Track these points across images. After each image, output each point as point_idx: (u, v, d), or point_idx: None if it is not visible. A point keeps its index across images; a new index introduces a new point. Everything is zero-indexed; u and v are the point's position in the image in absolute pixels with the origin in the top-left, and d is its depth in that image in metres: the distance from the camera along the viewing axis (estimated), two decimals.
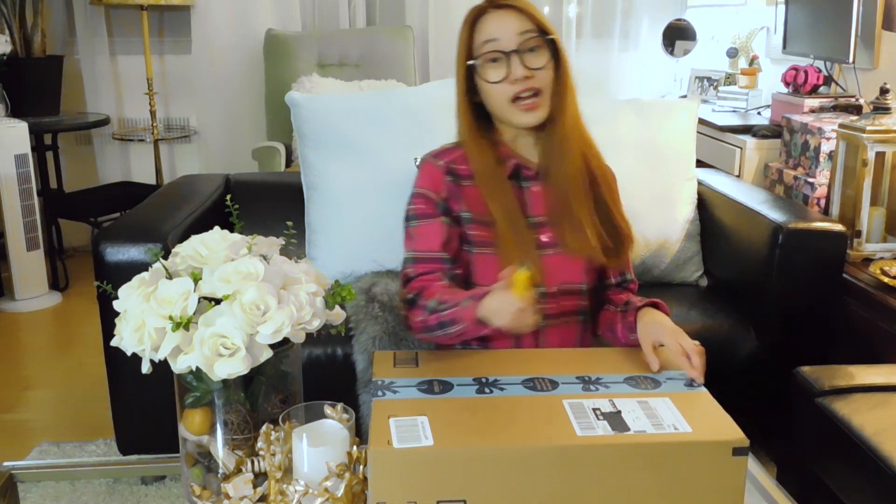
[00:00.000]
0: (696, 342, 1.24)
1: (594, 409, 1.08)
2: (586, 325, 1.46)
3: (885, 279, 1.96)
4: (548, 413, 1.08)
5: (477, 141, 1.40)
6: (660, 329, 1.27)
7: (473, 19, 1.37)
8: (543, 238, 1.41)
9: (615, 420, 1.06)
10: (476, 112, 1.41)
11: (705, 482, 1.02)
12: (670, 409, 1.09)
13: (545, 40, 1.34)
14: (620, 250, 1.44)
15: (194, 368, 1.02)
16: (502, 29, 1.33)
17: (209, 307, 1.04)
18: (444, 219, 1.39)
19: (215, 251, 1.10)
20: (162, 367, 1.05)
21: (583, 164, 1.42)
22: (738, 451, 1.01)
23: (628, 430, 1.03)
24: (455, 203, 1.40)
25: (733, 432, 1.03)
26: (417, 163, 1.47)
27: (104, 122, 3.73)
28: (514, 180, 1.42)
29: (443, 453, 1.00)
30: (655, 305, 1.38)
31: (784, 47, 3.09)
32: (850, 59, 2.62)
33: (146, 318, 1.03)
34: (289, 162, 3.38)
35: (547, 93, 1.36)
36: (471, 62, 1.36)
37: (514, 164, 1.41)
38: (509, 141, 1.43)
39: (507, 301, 1.15)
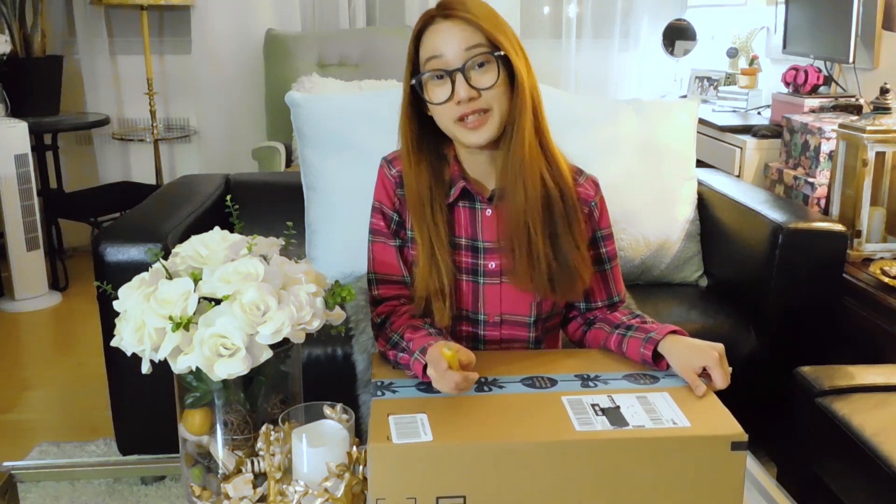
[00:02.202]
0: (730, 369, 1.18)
1: (593, 405, 1.09)
2: None
3: (885, 279, 1.96)
4: (547, 409, 1.08)
5: (415, 161, 1.29)
6: (701, 356, 1.18)
7: (420, 30, 1.24)
8: (491, 265, 1.33)
9: (614, 415, 1.06)
10: (422, 128, 1.29)
11: (704, 477, 1.02)
12: (669, 403, 1.09)
13: (496, 56, 1.21)
14: (570, 288, 1.31)
15: (194, 368, 1.02)
16: (448, 43, 1.20)
17: (209, 307, 1.04)
18: (398, 241, 1.36)
19: (215, 251, 1.10)
20: (162, 367, 1.05)
21: (541, 188, 1.27)
22: (736, 446, 1.01)
23: (627, 425, 1.03)
24: (406, 217, 1.35)
25: (732, 427, 1.04)
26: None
27: (104, 122, 3.73)
28: (466, 202, 1.33)
29: (442, 449, 1.00)
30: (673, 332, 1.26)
31: (784, 47, 3.09)
32: (850, 59, 2.62)
33: (146, 318, 1.03)
34: (289, 162, 3.38)
35: (497, 111, 1.23)
36: (414, 80, 1.24)
37: (463, 187, 1.31)
38: (463, 159, 1.32)
39: (444, 377, 1.10)
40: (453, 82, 1.21)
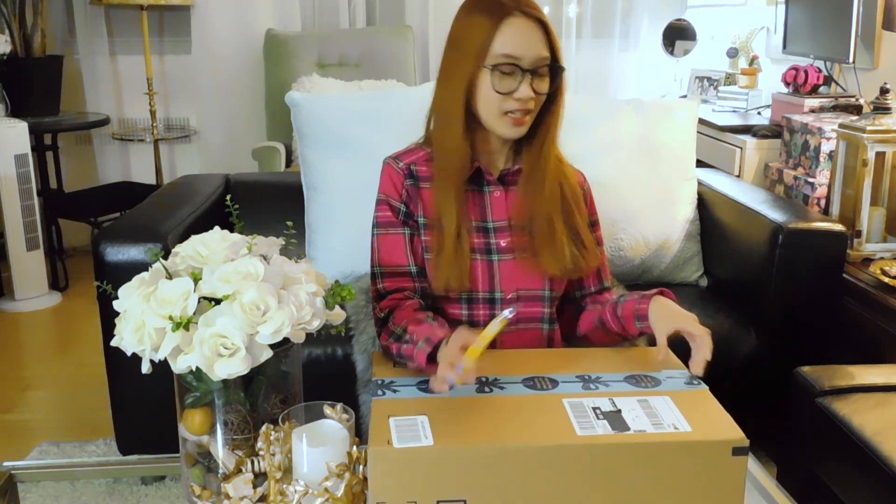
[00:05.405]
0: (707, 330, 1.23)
1: (594, 409, 1.08)
2: (552, 334, 1.42)
3: (885, 279, 1.96)
4: (548, 412, 1.08)
5: (464, 138, 1.33)
6: (678, 318, 1.26)
7: (500, 19, 1.28)
8: (502, 243, 1.38)
9: (615, 419, 1.06)
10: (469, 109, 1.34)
11: (705, 482, 1.02)
12: (670, 407, 1.09)
13: (553, 67, 1.31)
14: (585, 263, 1.40)
15: (194, 368, 1.02)
16: (526, 47, 1.28)
17: (209, 307, 1.03)
18: (407, 230, 1.38)
19: (215, 251, 1.10)
20: (162, 367, 1.05)
21: (558, 182, 1.40)
22: (737, 451, 1.01)
23: (628, 429, 1.03)
24: (414, 207, 1.38)
25: (733, 432, 1.03)
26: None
27: (104, 122, 3.73)
28: (474, 185, 1.38)
29: (443, 453, 1.00)
30: (661, 294, 1.36)
31: (784, 47, 3.09)
32: (850, 59, 2.62)
33: (146, 318, 1.03)
34: (289, 162, 3.38)
35: (534, 112, 1.33)
36: (487, 66, 1.29)
37: (477, 167, 1.37)
38: (479, 139, 1.38)
39: (448, 359, 1.07)
40: (520, 81, 1.28)
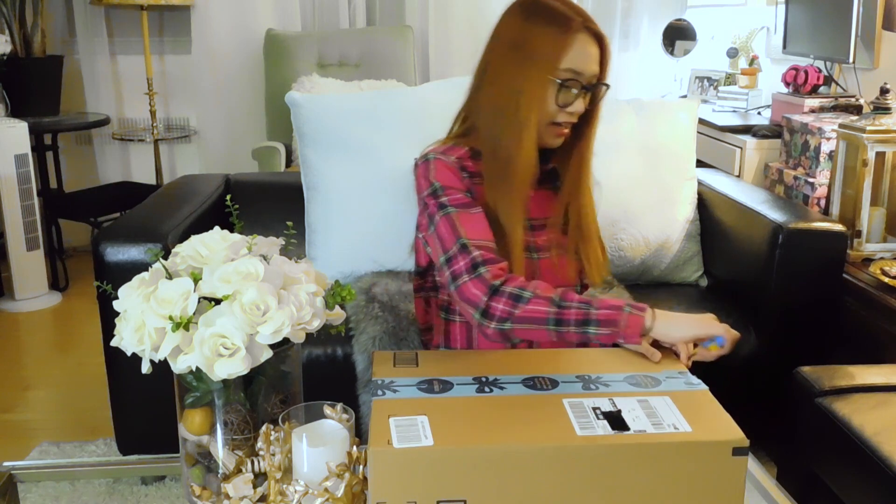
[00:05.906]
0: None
1: (594, 409, 1.08)
2: None
3: (885, 279, 1.96)
4: (548, 412, 1.08)
5: (535, 151, 1.37)
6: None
7: (573, 33, 1.31)
8: (540, 241, 1.43)
9: (615, 419, 1.06)
10: None
11: (705, 482, 1.02)
12: (670, 408, 1.09)
13: (599, 84, 1.37)
14: (605, 260, 1.51)
15: (194, 368, 1.02)
16: (588, 64, 1.33)
17: (209, 307, 1.03)
18: (482, 209, 1.37)
19: (215, 251, 1.10)
20: (162, 366, 1.05)
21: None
22: (738, 452, 1.01)
23: (628, 429, 1.03)
24: (474, 195, 1.38)
25: (733, 432, 1.03)
26: (418, 161, 1.44)
27: (104, 122, 3.73)
28: None
29: (443, 453, 1.00)
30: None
31: (784, 47, 3.09)
32: (850, 59, 2.62)
33: (146, 318, 1.03)
34: (289, 162, 3.39)
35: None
36: (560, 81, 1.33)
37: None
38: None
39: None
40: (577, 96, 1.35)
